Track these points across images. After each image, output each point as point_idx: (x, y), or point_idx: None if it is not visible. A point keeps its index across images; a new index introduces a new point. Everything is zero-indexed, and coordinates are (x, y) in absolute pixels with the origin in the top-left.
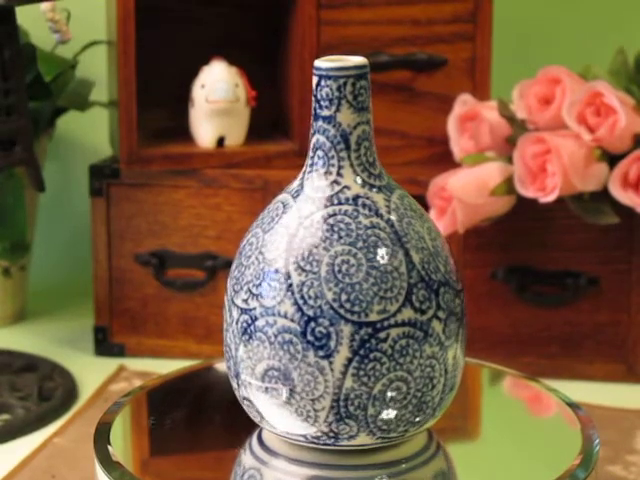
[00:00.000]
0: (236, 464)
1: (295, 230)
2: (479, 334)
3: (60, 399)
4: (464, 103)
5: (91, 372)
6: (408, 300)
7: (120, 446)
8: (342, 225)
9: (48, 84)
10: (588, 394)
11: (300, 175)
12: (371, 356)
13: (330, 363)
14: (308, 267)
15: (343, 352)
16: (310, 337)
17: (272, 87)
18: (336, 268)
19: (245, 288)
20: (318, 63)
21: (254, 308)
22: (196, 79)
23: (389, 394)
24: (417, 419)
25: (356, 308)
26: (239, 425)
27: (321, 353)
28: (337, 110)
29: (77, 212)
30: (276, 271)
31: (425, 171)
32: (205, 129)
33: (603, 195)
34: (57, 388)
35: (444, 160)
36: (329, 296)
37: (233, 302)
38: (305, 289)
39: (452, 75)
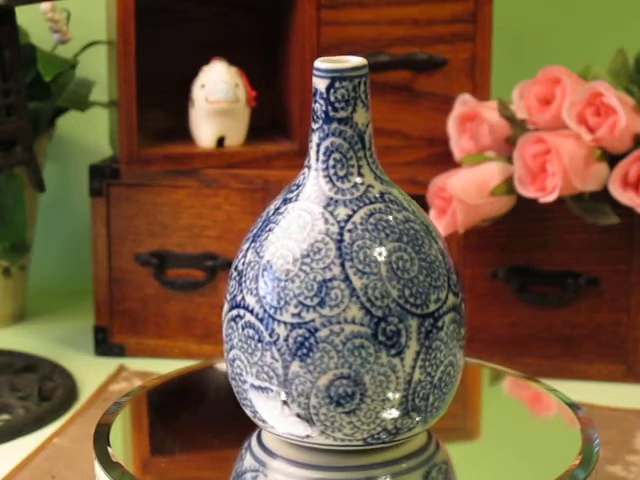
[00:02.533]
0: (235, 465)
1: (338, 235)
2: (479, 334)
3: (60, 399)
4: (464, 103)
5: (91, 372)
6: (449, 286)
7: (120, 446)
8: (384, 223)
9: (48, 84)
10: (588, 394)
11: (311, 181)
12: (433, 345)
13: (401, 360)
14: (367, 269)
15: (412, 346)
16: (381, 337)
17: (272, 87)
18: (394, 265)
19: (294, 302)
20: (330, 65)
21: (312, 320)
22: (196, 79)
23: (444, 380)
24: (450, 400)
25: (418, 301)
26: (239, 425)
27: (393, 351)
28: (353, 110)
29: (77, 212)
30: (332, 279)
31: (425, 171)
32: (205, 129)
33: (603, 195)
34: (57, 388)
35: (444, 160)
36: (394, 294)
37: (274, 319)
38: (370, 291)
39: (452, 75)
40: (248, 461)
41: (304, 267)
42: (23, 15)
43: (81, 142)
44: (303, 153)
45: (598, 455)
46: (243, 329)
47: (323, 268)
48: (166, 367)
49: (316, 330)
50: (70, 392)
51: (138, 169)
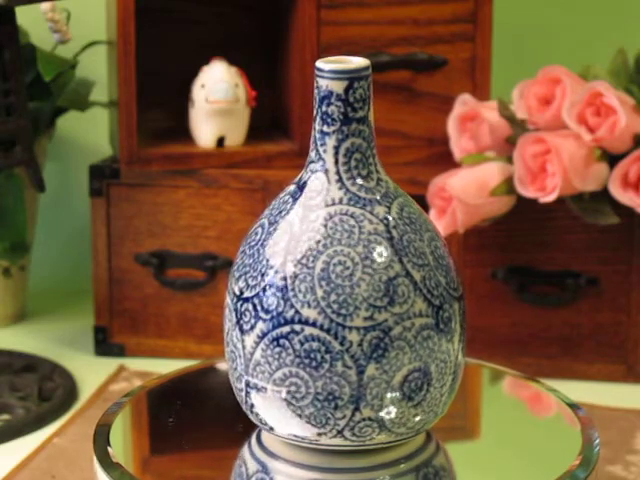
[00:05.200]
0: (235, 466)
1: (388, 234)
2: (479, 334)
3: (60, 399)
4: (464, 103)
5: (91, 372)
6: (458, 272)
7: (120, 446)
8: (413, 215)
9: (48, 84)
10: (588, 394)
11: (333, 184)
12: (465, 325)
13: (452, 344)
14: (420, 261)
15: (458, 329)
16: (441, 325)
17: (272, 87)
18: (435, 254)
19: (364, 306)
20: (345, 66)
21: (385, 320)
22: (196, 79)
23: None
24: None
25: (455, 285)
26: (239, 425)
27: (448, 337)
28: (369, 109)
29: (77, 212)
30: (396, 276)
31: (425, 171)
32: (205, 129)
33: (603, 195)
34: (57, 388)
35: (444, 160)
36: (443, 282)
37: (344, 327)
38: (428, 282)
39: (452, 75)
40: (248, 462)
41: (367, 269)
42: (23, 15)
43: (81, 142)
44: (303, 153)
45: (598, 455)
46: (302, 344)
47: (385, 267)
48: (166, 367)
49: (390, 329)
50: (70, 392)
51: (138, 169)
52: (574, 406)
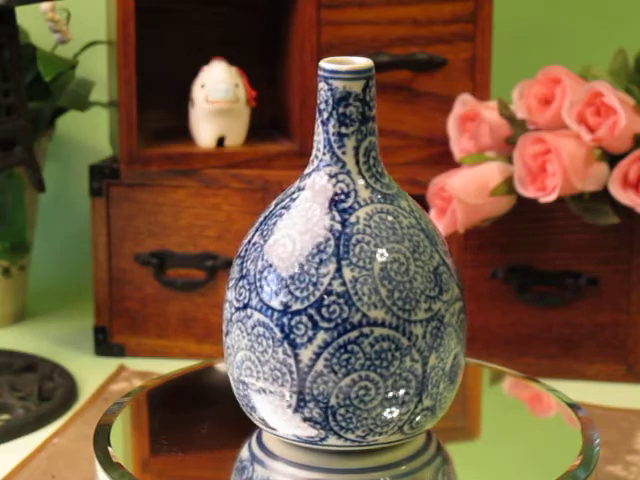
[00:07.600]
0: (235, 466)
1: (419, 225)
2: (479, 334)
3: (60, 399)
4: (464, 103)
5: (91, 372)
6: None
7: (120, 446)
8: (419, 206)
9: (48, 84)
10: (588, 394)
11: (359, 185)
12: None
13: (468, 324)
14: (445, 248)
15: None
16: (465, 308)
17: (272, 87)
18: (445, 241)
19: (423, 298)
20: (359, 65)
21: (439, 309)
22: (196, 79)
23: None
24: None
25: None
26: (239, 425)
27: (467, 316)
28: (376, 107)
29: (77, 212)
30: (438, 265)
31: (425, 171)
32: (205, 129)
33: (603, 195)
34: (57, 388)
35: (444, 160)
36: (457, 266)
37: (410, 322)
38: (454, 267)
39: (452, 75)
40: (248, 462)
41: (417, 263)
42: (23, 15)
43: (81, 142)
44: (303, 153)
45: (598, 455)
46: (373, 346)
47: (429, 258)
48: (166, 367)
49: (443, 317)
50: (70, 392)
51: (138, 169)
52: (574, 406)
